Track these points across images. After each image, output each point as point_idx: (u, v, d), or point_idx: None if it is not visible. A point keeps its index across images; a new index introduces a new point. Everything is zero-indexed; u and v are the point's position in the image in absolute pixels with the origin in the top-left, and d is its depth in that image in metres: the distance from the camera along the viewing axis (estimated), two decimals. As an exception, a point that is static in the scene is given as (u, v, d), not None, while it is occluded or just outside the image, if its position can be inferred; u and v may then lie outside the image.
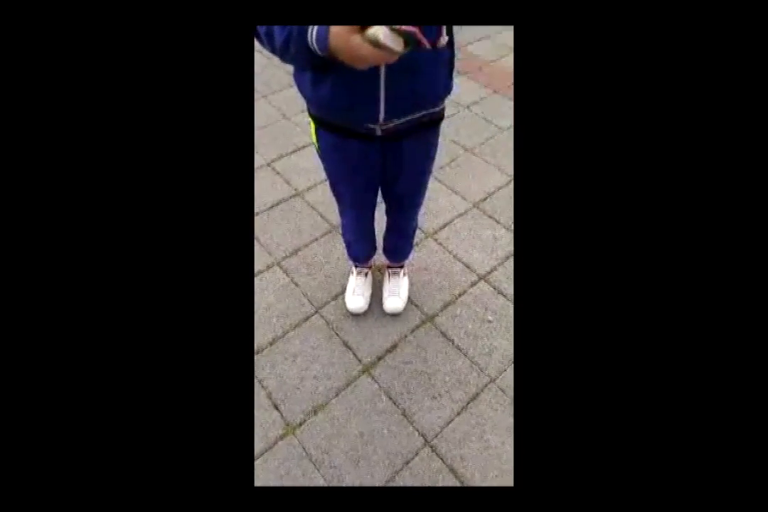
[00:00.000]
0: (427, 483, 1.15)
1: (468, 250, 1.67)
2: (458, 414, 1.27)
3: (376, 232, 1.39)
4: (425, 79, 0.83)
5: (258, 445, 1.21)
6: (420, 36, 0.60)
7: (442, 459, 1.19)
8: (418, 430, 1.24)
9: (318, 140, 1.01)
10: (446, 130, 1.04)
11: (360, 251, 1.44)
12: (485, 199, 1.85)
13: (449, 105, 0.99)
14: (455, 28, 0.79)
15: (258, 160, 2.03)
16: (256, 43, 0.71)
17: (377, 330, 1.46)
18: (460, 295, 1.54)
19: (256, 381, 1.33)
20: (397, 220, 1.32)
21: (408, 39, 0.60)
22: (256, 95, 2.37)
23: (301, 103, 0.94)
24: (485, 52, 2.66)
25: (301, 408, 1.28)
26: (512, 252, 1.65)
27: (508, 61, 2.58)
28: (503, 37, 2.76)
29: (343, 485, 1.15)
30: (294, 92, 0.91)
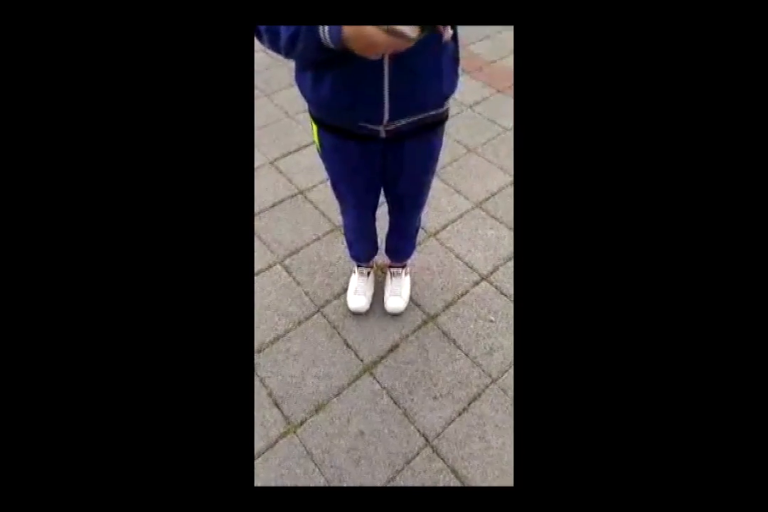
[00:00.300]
0: (428, 483, 1.15)
1: (470, 250, 1.67)
2: (459, 414, 1.27)
3: (379, 232, 1.39)
4: (431, 77, 0.82)
5: (259, 444, 1.21)
6: None
7: (443, 459, 1.19)
8: (419, 430, 1.24)
9: (320, 141, 1.01)
10: (449, 129, 1.03)
11: (361, 251, 1.44)
12: (488, 199, 1.85)
13: (452, 104, 0.99)
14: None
15: (260, 158, 2.03)
16: (256, 42, 0.70)
17: (379, 330, 1.46)
18: (462, 295, 1.54)
19: (257, 379, 1.33)
20: (398, 220, 1.31)
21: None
22: (259, 94, 2.37)
23: (303, 102, 0.94)
24: (487, 52, 2.66)
25: (302, 407, 1.28)
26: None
27: (510, 61, 2.57)
28: (503, 37, 2.76)
29: (344, 485, 1.15)
30: (296, 91, 0.91)
